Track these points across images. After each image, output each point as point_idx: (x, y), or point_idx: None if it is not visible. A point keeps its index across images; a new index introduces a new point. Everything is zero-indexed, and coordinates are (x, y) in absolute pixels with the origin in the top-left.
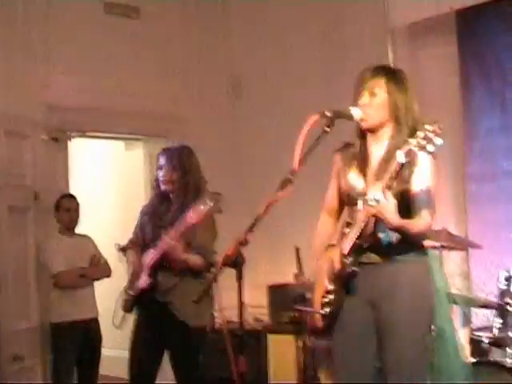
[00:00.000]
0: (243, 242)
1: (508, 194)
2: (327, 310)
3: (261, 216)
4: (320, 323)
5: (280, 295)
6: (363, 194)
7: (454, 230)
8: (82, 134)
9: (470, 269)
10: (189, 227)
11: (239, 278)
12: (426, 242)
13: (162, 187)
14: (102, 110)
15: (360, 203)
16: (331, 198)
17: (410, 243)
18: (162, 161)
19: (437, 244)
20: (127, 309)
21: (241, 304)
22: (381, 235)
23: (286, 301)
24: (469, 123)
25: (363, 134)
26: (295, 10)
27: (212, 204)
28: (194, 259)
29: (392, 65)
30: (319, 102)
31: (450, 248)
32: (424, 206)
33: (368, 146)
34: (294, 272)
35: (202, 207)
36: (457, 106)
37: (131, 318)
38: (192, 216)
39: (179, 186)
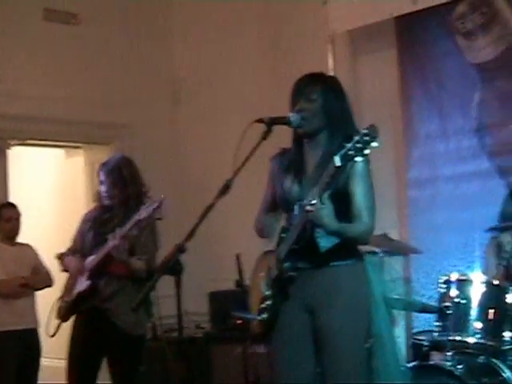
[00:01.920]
0: (181, 249)
1: (447, 198)
2: (265, 316)
3: (198, 222)
4: (258, 329)
5: (221, 302)
6: (299, 200)
7: (396, 235)
8: (22, 141)
9: (411, 274)
10: (136, 225)
11: (178, 285)
12: (366, 248)
13: (105, 201)
14: (42, 118)
15: (296, 208)
16: (265, 203)
17: (348, 249)
18: (102, 176)
19: (377, 249)
20: (62, 316)
21: (180, 311)
22: (319, 240)
23: (227, 308)
24: (408, 129)
25: (299, 140)
26: (237, 16)
27: (158, 204)
28: (137, 263)
29: (332, 70)
30: (260, 107)
31: (390, 253)
32: (364, 210)
33: (304, 152)
34: (235, 279)
35: (150, 207)
36: (397, 111)
37: (66, 327)
38: (142, 214)
39: (121, 199)
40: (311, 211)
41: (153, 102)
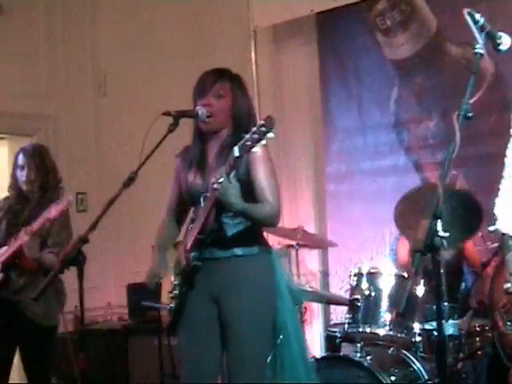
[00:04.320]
0: (83, 240)
1: (364, 192)
2: (172, 304)
3: (101, 214)
4: (168, 319)
5: (138, 294)
6: (203, 192)
7: (315, 229)
8: None
9: (328, 267)
10: (46, 223)
11: (80, 276)
12: (282, 241)
13: (24, 187)
14: None
15: (202, 200)
16: (172, 201)
17: (254, 237)
18: (23, 161)
19: (293, 242)
20: None
21: (82, 303)
22: (225, 227)
23: (145, 300)
24: (327, 123)
25: (201, 134)
26: (162, 8)
27: (66, 204)
28: (48, 258)
29: (254, 64)
30: (183, 100)
31: (307, 246)
32: (268, 191)
33: (206, 146)
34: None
35: (65, 203)
36: (317, 106)
37: None
38: (52, 212)
39: (40, 185)
40: (218, 189)
41: (77, 94)
